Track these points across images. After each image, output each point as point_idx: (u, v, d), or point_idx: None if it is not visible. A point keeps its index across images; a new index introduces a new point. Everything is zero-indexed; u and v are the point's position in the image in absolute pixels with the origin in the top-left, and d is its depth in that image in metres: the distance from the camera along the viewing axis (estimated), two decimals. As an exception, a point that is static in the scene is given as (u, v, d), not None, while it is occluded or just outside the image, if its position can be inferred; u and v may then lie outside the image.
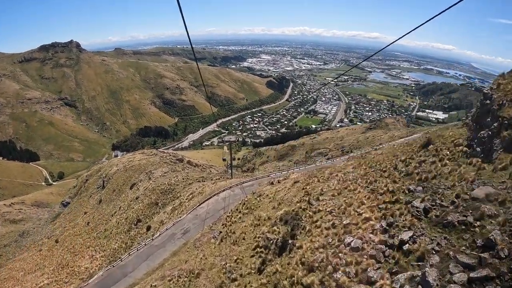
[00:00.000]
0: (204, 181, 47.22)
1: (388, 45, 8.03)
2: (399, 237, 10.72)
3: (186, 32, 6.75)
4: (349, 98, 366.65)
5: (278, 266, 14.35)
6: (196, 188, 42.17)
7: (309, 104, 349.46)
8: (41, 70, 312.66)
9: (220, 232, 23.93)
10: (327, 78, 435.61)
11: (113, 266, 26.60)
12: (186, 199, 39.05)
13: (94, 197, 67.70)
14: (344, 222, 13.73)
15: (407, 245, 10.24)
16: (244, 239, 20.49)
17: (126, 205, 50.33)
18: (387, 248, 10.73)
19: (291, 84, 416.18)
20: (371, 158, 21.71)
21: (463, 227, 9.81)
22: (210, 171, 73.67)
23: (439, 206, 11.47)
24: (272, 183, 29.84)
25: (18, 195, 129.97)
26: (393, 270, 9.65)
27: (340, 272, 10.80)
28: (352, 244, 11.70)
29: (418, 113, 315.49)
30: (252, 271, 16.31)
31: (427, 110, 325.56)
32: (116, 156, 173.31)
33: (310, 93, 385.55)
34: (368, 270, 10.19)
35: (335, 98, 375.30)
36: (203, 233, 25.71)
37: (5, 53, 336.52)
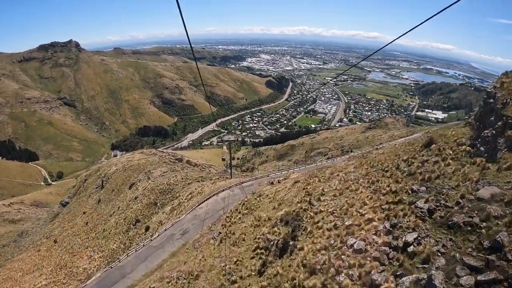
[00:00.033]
0: (203, 181, 46.94)
1: (387, 44, 7.88)
2: (403, 239, 10.49)
3: (186, 31, 6.71)
4: (349, 98, 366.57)
5: (279, 268, 14.10)
6: (195, 188, 41.90)
7: (308, 104, 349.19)
8: (40, 70, 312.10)
9: (220, 233, 23.65)
10: (326, 78, 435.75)
11: (111, 267, 26.29)
12: (185, 199, 38.77)
13: (93, 197, 67.40)
14: (346, 223, 13.49)
15: (411, 247, 10.02)
16: (244, 240, 20.21)
17: (125, 205, 50.04)
18: (391, 250, 10.50)
19: (291, 84, 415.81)
20: (373, 158, 21.50)
21: (469, 228, 9.62)
22: (210, 170, 73.42)
23: (444, 207, 11.26)
24: (272, 183, 29.58)
25: (17, 195, 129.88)
26: (398, 273, 9.40)
27: (343, 274, 10.56)
28: (355, 246, 11.46)
29: (417, 113, 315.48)
30: (252, 273, 16.04)
31: (426, 110, 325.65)
32: (115, 155, 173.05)
33: (310, 92, 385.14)
34: (372, 272, 9.94)
35: (334, 97, 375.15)
36: (202, 234, 25.42)
37: (4, 52, 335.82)
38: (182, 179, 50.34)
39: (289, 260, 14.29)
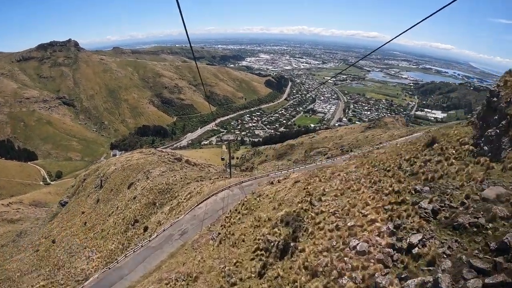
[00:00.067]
0: (203, 181, 46.68)
1: (386, 43, 7.77)
2: (408, 240, 10.26)
3: (185, 31, 6.69)
4: (348, 97, 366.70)
5: (279, 270, 13.85)
6: (194, 188, 41.64)
7: (307, 103, 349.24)
8: (39, 69, 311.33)
9: (219, 233, 23.36)
10: (325, 77, 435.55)
11: (109, 268, 25.99)
12: (184, 199, 38.50)
13: (91, 197, 67.05)
14: (349, 224, 13.24)
15: (416, 248, 9.79)
16: (243, 241, 19.93)
17: (124, 205, 49.77)
18: (395, 251, 10.26)
19: (290, 83, 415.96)
20: (374, 157, 21.27)
21: (475, 229, 9.45)
22: (209, 170, 73.16)
23: (448, 207, 11.06)
24: (272, 183, 29.29)
25: (16, 195, 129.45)
26: (403, 276, 9.16)
27: (345, 277, 10.30)
28: (358, 247, 11.20)
29: (416, 112, 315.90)
30: (252, 275, 15.76)
31: (425, 110, 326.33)
32: (114, 155, 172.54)
33: (309, 92, 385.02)
34: (376, 275, 9.69)
35: (333, 97, 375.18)
36: (201, 234, 25.15)
37: (3, 52, 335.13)
38: (181, 178, 50.08)
39: (290, 262, 14.02)
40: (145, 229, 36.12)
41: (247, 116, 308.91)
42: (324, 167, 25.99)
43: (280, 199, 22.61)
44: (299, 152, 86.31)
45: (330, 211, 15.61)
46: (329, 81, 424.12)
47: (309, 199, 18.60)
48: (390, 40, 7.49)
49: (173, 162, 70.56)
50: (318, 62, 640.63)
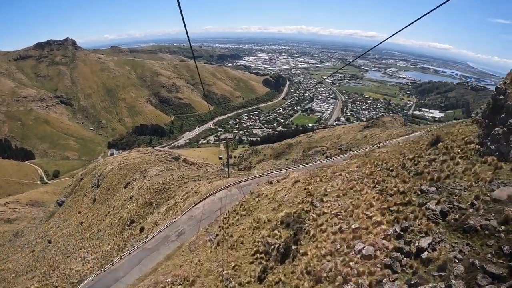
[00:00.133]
0: (200, 180, 46.18)
1: (383, 41, 7.57)
2: (416, 244, 9.76)
3: (185, 30, 6.66)
4: (346, 97, 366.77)
5: (281, 275, 13.24)
6: (191, 188, 41.12)
7: (305, 103, 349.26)
8: (37, 68, 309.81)
9: (217, 235, 22.75)
10: (323, 77, 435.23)
11: (104, 271, 25.43)
12: (181, 199, 37.96)
13: (88, 196, 66.55)
14: (353, 226, 12.72)
15: (425, 252, 9.31)
16: (242, 243, 19.32)
17: (120, 204, 49.24)
18: (403, 256, 9.75)
19: (288, 83, 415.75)
20: (376, 156, 20.81)
21: (486, 232, 9.04)
22: (206, 169, 72.70)
23: (457, 209, 10.62)
24: (271, 183, 28.77)
25: (13, 194, 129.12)
26: (412, 282, 8.65)
27: (351, 283, 9.76)
28: (364, 251, 10.66)
29: (414, 112, 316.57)
30: (252, 280, 15.15)
31: (423, 109, 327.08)
32: (112, 154, 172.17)
33: (307, 91, 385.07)
34: (384, 281, 9.17)
35: (331, 96, 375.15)
36: (198, 236, 24.56)
37: (0, 50, 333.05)
38: (178, 178, 49.59)
39: (291, 266, 13.45)
40: (141, 229, 35.56)
41: (245, 115, 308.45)
42: (325, 167, 25.51)
43: (280, 200, 22.06)
44: (297, 151, 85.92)
45: (333, 212, 15.10)
46: (327, 80, 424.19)
47: (310, 199, 18.09)
48: (387, 38, 7.31)
49: (171, 161, 70.11)
50: (316, 62, 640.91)
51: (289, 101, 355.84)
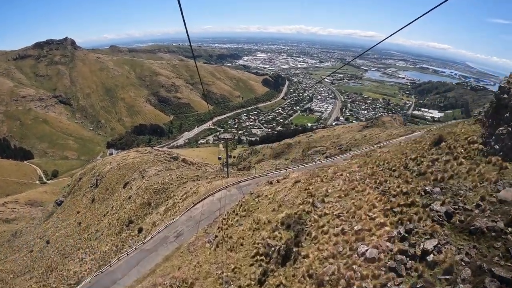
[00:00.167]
0: (199, 180, 45.81)
1: (382, 40, 7.63)
2: (421, 246, 9.49)
3: (186, 30, 6.71)
4: (345, 97, 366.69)
5: (282, 278, 12.93)
6: (190, 188, 40.75)
7: (304, 102, 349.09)
8: (36, 68, 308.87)
9: (216, 236, 22.41)
10: (322, 77, 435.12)
11: (102, 272, 25.07)
12: (180, 199, 37.59)
13: (87, 196, 66.20)
14: (355, 228, 12.42)
15: (431, 255, 9.05)
16: (242, 245, 18.98)
17: (119, 204, 48.87)
18: (408, 259, 9.47)
19: (287, 82, 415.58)
20: (377, 156, 20.50)
21: (493, 234, 8.78)
22: (205, 169, 72.38)
23: (463, 210, 10.35)
24: (271, 183, 28.42)
25: (12, 194, 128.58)
26: (418, 286, 8.39)
27: (355, 287, 9.46)
28: (367, 254, 10.37)
29: (413, 112, 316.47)
30: (252, 283, 14.85)
31: (422, 109, 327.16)
32: (111, 154, 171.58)
33: (306, 91, 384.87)
34: (388, 285, 8.90)
35: (331, 96, 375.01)
36: (197, 237, 24.21)
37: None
38: (177, 178, 49.23)
39: (293, 269, 13.13)
40: (140, 230, 35.18)
41: (244, 115, 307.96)
42: (325, 167, 25.20)
43: (280, 200, 21.72)
44: (297, 151, 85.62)
45: (334, 213, 14.79)
46: (326, 80, 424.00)
47: (311, 200, 17.77)
48: (386, 38, 7.26)
49: (169, 161, 69.78)
50: (315, 61, 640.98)
51: (288, 101, 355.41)
